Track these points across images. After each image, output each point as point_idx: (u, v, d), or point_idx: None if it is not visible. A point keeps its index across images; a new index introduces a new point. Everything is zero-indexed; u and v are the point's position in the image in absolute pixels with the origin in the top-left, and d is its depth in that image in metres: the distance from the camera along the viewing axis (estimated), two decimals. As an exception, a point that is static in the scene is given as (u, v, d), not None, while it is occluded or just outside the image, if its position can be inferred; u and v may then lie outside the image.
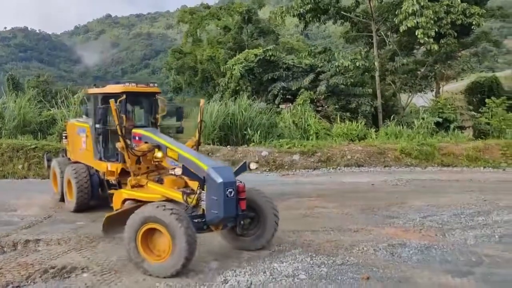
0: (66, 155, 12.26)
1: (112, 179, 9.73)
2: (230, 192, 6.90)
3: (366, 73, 24.95)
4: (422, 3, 20.82)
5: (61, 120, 20.34)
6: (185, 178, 7.86)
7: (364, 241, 8.35)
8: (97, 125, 9.78)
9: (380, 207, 11.15)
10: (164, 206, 6.67)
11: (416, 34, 21.02)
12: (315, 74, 24.56)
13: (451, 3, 22.04)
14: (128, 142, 8.87)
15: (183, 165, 7.17)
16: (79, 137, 10.93)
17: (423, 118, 21.85)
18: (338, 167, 17.64)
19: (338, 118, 22.11)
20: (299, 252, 7.74)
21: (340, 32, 33.00)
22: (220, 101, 23.07)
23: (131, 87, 9.52)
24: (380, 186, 14.24)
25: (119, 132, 8.40)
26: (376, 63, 24.39)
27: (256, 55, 25.59)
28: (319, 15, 25.51)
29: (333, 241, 8.36)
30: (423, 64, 26.58)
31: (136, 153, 8.62)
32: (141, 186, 8.73)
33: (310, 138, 20.08)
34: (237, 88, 25.20)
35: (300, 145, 18.54)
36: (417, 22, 20.73)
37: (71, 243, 8.37)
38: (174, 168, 7.19)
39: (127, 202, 8.51)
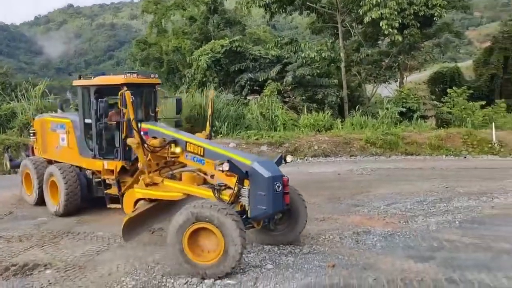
0: (32, 153, 11.33)
1: (111, 178, 8.98)
2: (278, 187, 6.69)
3: (332, 64, 25.18)
4: (385, -6, 21.11)
5: (22, 114, 19.71)
6: (208, 173, 7.60)
7: (330, 229, 8.47)
8: (88, 120, 9.11)
9: (346, 196, 11.32)
10: (217, 205, 6.39)
11: (381, 25, 21.35)
12: (282, 65, 24.63)
13: (414, -6, 22.47)
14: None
15: (228, 160, 6.70)
16: (55, 134, 10.16)
17: (387, 108, 22.28)
18: (306, 158, 17.80)
19: (305, 109, 22.28)
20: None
21: (306, 23, 33.13)
22: (186, 92, 22.84)
23: (133, 78, 8.79)
24: (346, 175, 14.45)
25: (135, 127, 7.61)
26: (341, 54, 24.66)
27: (222, 46, 25.43)
28: (285, 6, 25.54)
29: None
30: (387, 55, 27.05)
31: (154, 149, 7.82)
32: (155, 184, 8.11)
33: (277, 129, 20.17)
34: (204, 80, 25.01)
35: (268, 136, 18.62)
36: (381, 13, 21.05)
37: (33, 239, 8.16)
38: (222, 164, 6.59)
39: (140, 202, 7.97)
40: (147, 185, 8.04)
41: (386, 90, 29.39)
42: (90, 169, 9.48)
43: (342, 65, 24.95)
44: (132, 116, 7.56)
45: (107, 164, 8.96)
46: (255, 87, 24.95)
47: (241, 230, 6.17)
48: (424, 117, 23.55)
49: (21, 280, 6.34)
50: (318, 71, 23.47)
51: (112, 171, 8.91)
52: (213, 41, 27.79)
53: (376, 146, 18.52)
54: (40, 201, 10.20)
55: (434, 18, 23.60)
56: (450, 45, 36.31)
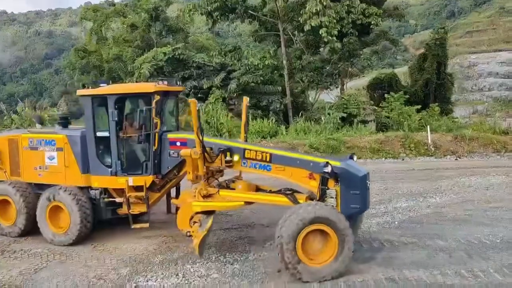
0: None
1: (138, 196, 8.15)
2: (369, 185, 6.94)
3: (275, 71, 25.57)
4: (324, 3, 21.71)
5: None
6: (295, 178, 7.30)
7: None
8: (102, 133, 8.20)
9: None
10: (332, 206, 6.56)
11: (320, 33, 21.91)
12: (226, 73, 24.73)
13: (351, 3, 23.28)
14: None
15: (327, 163, 6.69)
16: (35, 152, 8.84)
17: (329, 114, 22.84)
18: (251, 164, 17.84)
19: (250, 116, 22.41)
20: (212, 251, 7.75)
21: (249, 30, 33.43)
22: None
23: (163, 86, 8.21)
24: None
25: (198, 138, 7.23)
26: (284, 62, 25.08)
27: (165, 53, 25.17)
28: (227, 14, 25.67)
29: (245, 238, 8.48)
30: (328, 62, 27.76)
31: (216, 160, 7.52)
32: (210, 195, 7.68)
33: (223, 136, 20.14)
34: (147, 88, 24.55)
35: (213, 143, 18.50)
36: (321, 22, 21.61)
37: (-37, 260, 7.67)
38: (327, 166, 6.58)
39: (196, 216, 7.40)
40: (204, 197, 7.62)
41: (328, 96, 30.16)
42: (98, 188, 8.43)
43: (285, 72, 25.38)
44: (196, 126, 7.17)
45: (132, 181, 8.10)
46: (199, 95, 24.82)
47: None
48: (364, 122, 24.30)
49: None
50: (262, 78, 23.76)
51: (136, 188, 8.16)
52: (155, 48, 27.43)
53: (320, 151, 18.92)
54: (25, 232, 8.82)
55: (371, 26, 24.56)
56: (387, 52, 37.80)
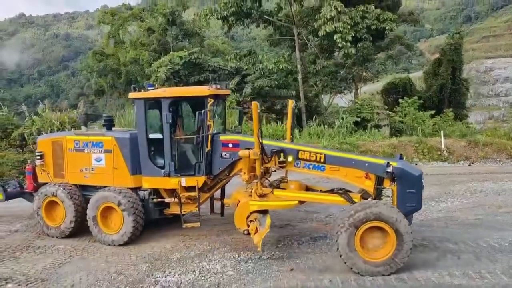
0: (34, 180, 9.68)
1: (190, 196, 8.42)
2: (423, 184, 7.22)
3: (290, 76, 25.78)
4: (339, 9, 21.89)
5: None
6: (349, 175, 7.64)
7: (289, 236, 8.82)
8: (154, 135, 8.52)
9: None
10: (391, 205, 6.90)
11: (335, 38, 22.09)
12: (241, 77, 25.01)
13: (366, 9, 23.44)
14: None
15: (388, 163, 7.08)
16: (81, 154, 9.04)
17: (343, 118, 22.99)
18: (265, 167, 18.10)
19: (264, 119, 22.69)
20: (228, 250, 8.05)
21: (264, 35, 33.75)
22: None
23: (217, 90, 8.45)
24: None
25: (258, 140, 7.48)
26: (298, 66, 25.30)
27: (181, 57, 25.53)
28: (242, 19, 25.99)
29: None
30: (342, 66, 27.94)
31: (271, 161, 7.85)
32: (265, 195, 7.99)
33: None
34: (163, 91, 24.97)
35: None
36: (335, 27, 21.78)
37: (-8, 254, 8.07)
38: (389, 166, 6.95)
39: (253, 215, 7.69)
40: (260, 196, 7.93)
41: (342, 101, 30.29)
42: (147, 189, 8.69)
43: (299, 76, 25.58)
44: (256, 128, 7.47)
45: (185, 181, 8.34)
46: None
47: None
48: (378, 127, 24.38)
49: (-19, 295, 6.32)
50: (276, 82, 24.02)
51: (187, 189, 8.42)
52: (171, 52, 27.85)
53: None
54: (73, 233, 9.02)
55: (386, 32, 24.67)
56: (402, 57, 37.69)
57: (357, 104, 24.92)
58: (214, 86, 8.47)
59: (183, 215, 8.58)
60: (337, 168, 7.61)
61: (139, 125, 8.58)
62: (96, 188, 8.92)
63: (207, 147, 8.23)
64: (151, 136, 8.54)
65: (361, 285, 6.47)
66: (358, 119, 23.32)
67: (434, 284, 6.43)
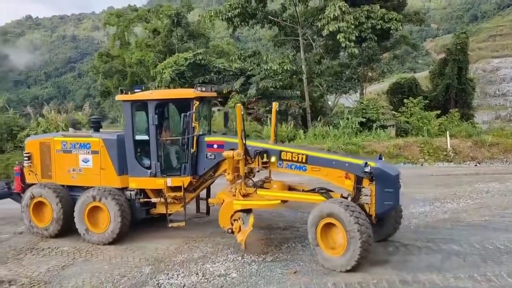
0: (22, 181, 9.80)
1: (176, 196, 8.60)
2: (401, 183, 7.40)
3: (294, 76, 25.72)
4: (343, 9, 21.81)
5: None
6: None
7: (292, 238, 8.78)
8: (141, 137, 8.66)
9: (307, 205, 11.62)
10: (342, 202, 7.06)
11: (338, 38, 22.00)
12: (246, 78, 25.01)
13: (371, 9, 23.35)
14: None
15: (366, 163, 7.24)
16: (69, 155, 9.16)
17: (348, 119, 22.90)
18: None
19: (269, 120, 22.63)
20: (231, 252, 8.03)
21: (269, 35, 33.70)
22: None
23: (202, 92, 8.67)
24: (308, 184, 14.78)
25: (242, 141, 7.81)
26: (303, 67, 25.23)
27: (186, 58, 25.59)
28: (247, 20, 25.92)
29: (263, 239, 8.71)
30: (347, 66, 27.83)
31: (254, 161, 8.00)
32: (249, 195, 8.18)
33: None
34: (168, 92, 25.03)
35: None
36: (339, 27, 21.68)
37: (-4, 257, 8.10)
38: (367, 166, 7.13)
39: (236, 214, 7.89)
40: (244, 196, 8.11)
41: (347, 101, 30.16)
42: (134, 189, 8.82)
43: (304, 77, 25.51)
44: (240, 129, 7.75)
45: (171, 181, 8.51)
46: (219, 99, 25.18)
47: (365, 227, 6.78)
48: (383, 127, 24.22)
49: (-15, 297, 6.34)
50: (281, 83, 23.96)
51: (173, 189, 8.58)
52: (177, 54, 27.90)
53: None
54: (62, 232, 9.09)
55: (391, 31, 24.55)
56: (408, 57, 37.53)
57: (362, 104, 24.80)
58: (199, 88, 8.66)
59: (169, 215, 8.74)
60: (318, 168, 7.78)
61: (126, 127, 8.82)
62: (83, 188, 9.05)
63: (193, 148, 8.45)
64: (138, 137, 8.71)
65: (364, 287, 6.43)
66: (364, 120, 23.20)
67: (439, 287, 6.36)
